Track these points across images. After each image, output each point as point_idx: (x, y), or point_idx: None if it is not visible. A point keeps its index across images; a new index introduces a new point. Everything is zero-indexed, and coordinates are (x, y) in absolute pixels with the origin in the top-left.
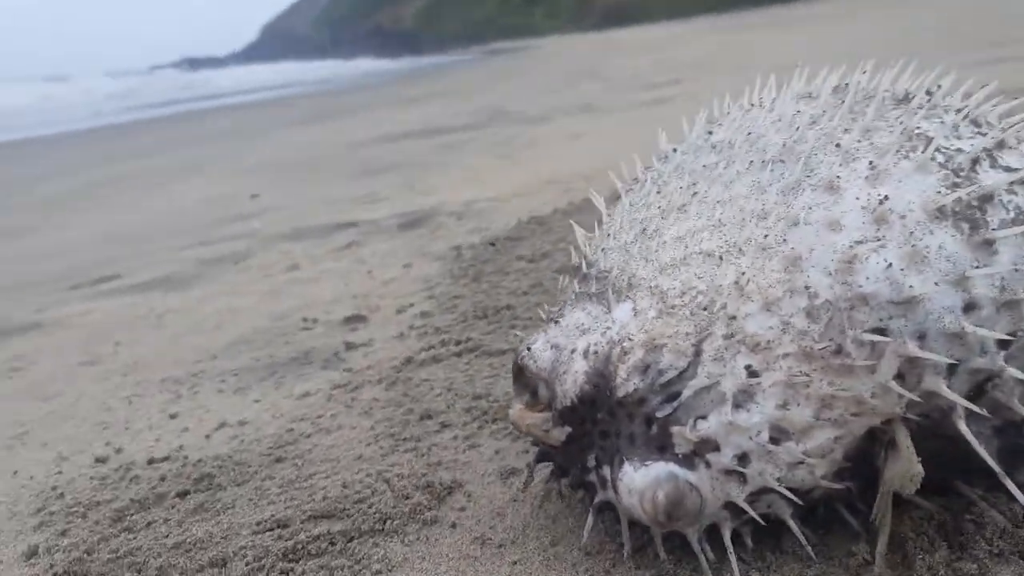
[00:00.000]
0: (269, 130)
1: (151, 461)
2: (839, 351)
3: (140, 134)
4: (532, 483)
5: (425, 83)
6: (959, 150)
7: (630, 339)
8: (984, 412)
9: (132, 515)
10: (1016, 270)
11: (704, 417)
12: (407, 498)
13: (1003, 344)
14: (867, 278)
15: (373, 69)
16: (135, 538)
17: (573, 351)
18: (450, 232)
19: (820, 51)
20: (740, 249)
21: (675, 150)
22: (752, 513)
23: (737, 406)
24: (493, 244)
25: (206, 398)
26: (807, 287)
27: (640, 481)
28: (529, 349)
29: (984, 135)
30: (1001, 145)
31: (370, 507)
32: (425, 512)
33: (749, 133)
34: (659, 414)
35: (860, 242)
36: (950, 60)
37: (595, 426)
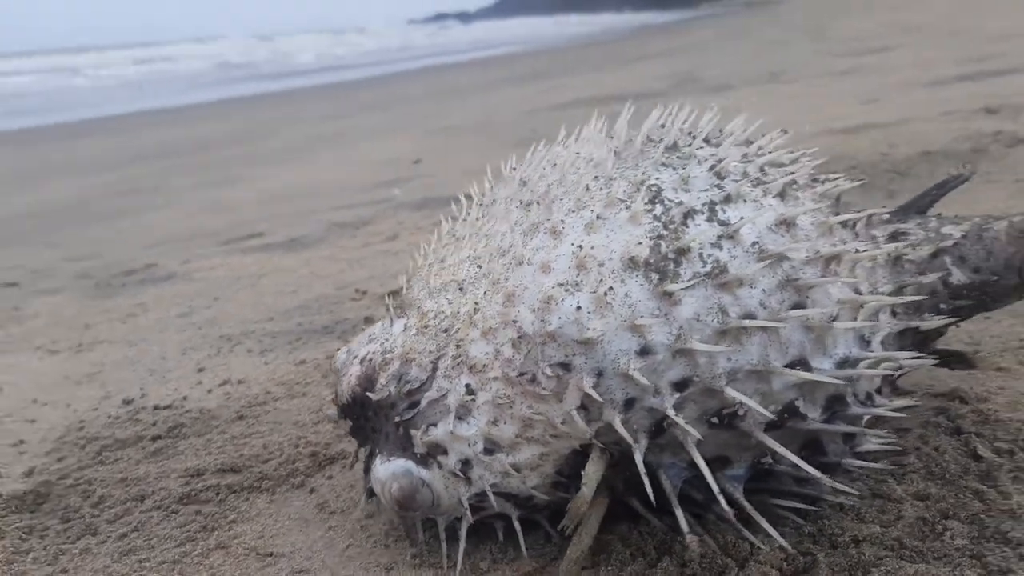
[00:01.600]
0: (469, 91)
1: (155, 407)
2: (533, 380)
3: (359, 91)
4: (356, 462)
5: (656, 42)
6: (680, 203)
7: (392, 351)
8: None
9: (110, 451)
10: (697, 320)
11: (435, 425)
12: (293, 463)
13: (679, 387)
14: (558, 318)
15: (617, 23)
16: (98, 471)
17: (355, 357)
18: None
19: None
20: (481, 281)
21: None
22: (467, 515)
23: (459, 418)
24: None
25: (235, 357)
26: (515, 321)
27: (383, 473)
28: (338, 351)
29: (720, 187)
30: (728, 199)
31: (263, 466)
32: (299, 477)
33: (536, 173)
34: (402, 418)
35: (561, 285)
36: None
37: (367, 422)
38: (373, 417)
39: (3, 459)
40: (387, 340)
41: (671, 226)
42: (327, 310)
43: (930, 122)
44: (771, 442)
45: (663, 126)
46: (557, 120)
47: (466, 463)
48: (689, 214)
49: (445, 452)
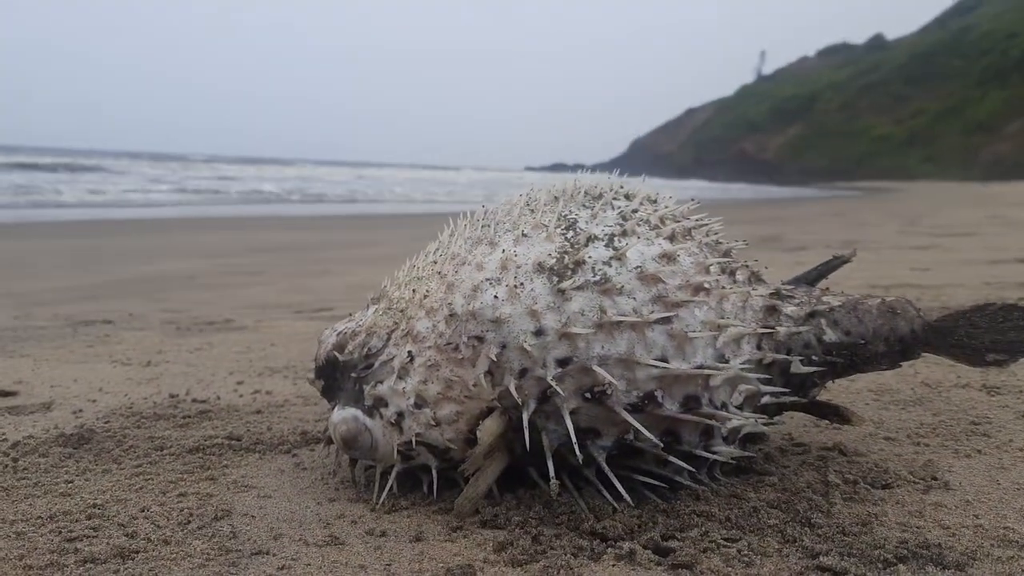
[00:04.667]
0: None
1: (193, 400)
2: (456, 348)
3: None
4: None
5: (766, 210)
6: (587, 232)
7: (362, 326)
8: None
9: (148, 422)
10: (581, 314)
11: (381, 382)
12: (287, 438)
13: (562, 363)
14: (480, 302)
15: (737, 191)
16: (134, 432)
17: (335, 331)
18: None
19: None
20: (434, 277)
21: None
22: (398, 462)
23: (399, 377)
24: None
25: (271, 379)
26: (450, 304)
27: (336, 417)
28: (327, 330)
29: (621, 226)
30: (625, 233)
31: (261, 437)
32: (287, 446)
33: (496, 211)
34: (358, 375)
35: (488, 280)
36: None
37: (335, 381)
38: (340, 377)
39: (62, 419)
40: (361, 320)
41: (575, 246)
42: None
43: (967, 288)
44: (632, 419)
45: (610, 189)
46: None
47: (400, 414)
48: (591, 239)
49: (386, 404)
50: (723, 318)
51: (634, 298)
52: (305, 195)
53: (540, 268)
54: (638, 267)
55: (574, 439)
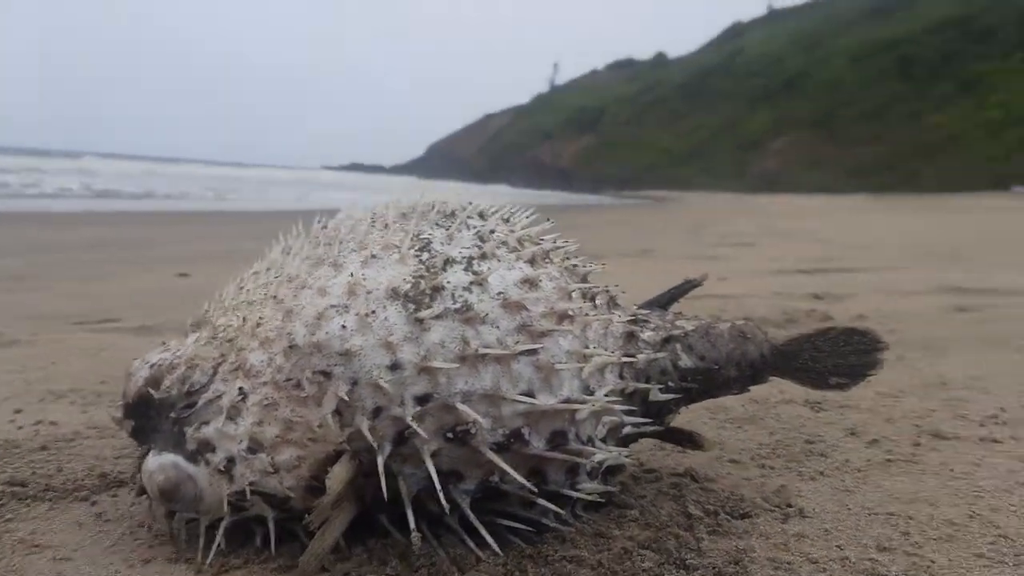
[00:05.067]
0: None
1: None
2: (298, 385)
3: (243, 223)
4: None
5: (556, 217)
6: (444, 254)
7: (180, 357)
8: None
9: None
10: (442, 346)
11: (207, 423)
12: (81, 481)
13: (420, 401)
14: (326, 332)
15: (510, 195)
16: None
17: (147, 362)
18: None
19: (892, 237)
20: (268, 302)
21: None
22: (227, 514)
23: (229, 418)
24: None
25: (55, 405)
26: (290, 334)
27: (152, 464)
28: (133, 360)
29: (479, 247)
30: (485, 256)
31: (50, 480)
32: (84, 492)
33: (336, 226)
34: (178, 416)
35: (333, 306)
36: None
37: (148, 421)
38: (155, 417)
39: None
40: (179, 350)
41: (432, 269)
42: None
43: (762, 299)
44: (498, 460)
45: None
46: None
47: (231, 460)
48: (449, 262)
49: (213, 449)
50: (587, 347)
51: (498, 327)
52: (89, 190)
53: (394, 294)
54: (500, 293)
55: (437, 484)
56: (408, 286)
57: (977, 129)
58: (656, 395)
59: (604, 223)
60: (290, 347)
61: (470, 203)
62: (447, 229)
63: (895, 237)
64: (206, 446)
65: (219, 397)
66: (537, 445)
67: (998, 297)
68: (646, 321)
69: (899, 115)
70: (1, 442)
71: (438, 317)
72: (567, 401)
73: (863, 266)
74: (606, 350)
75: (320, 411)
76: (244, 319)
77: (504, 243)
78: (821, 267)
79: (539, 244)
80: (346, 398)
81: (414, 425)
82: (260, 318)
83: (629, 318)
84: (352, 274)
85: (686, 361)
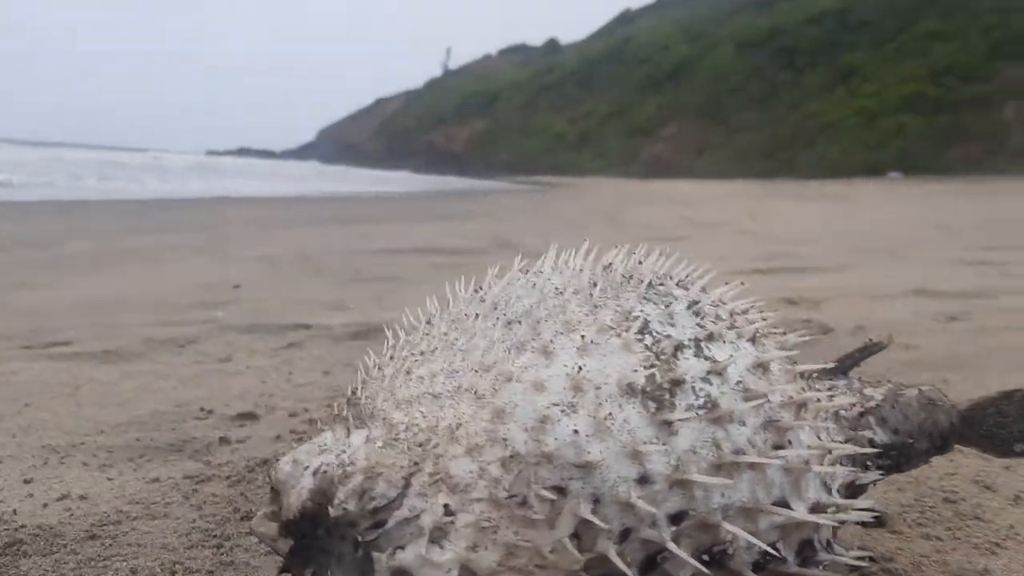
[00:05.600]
0: (282, 225)
1: None
2: (524, 503)
3: (162, 211)
4: None
5: (461, 205)
6: (668, 336)
7: (354, 463)
8: None
9: None
10: (694, 452)
11: (403, 548)
12: None
13: (674, 519)
14: (555, 439)
15: (410, 182)
16: None
17: (306, 468)
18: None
19: (820, 230)
20: (462, 395)
21: (456, 300)
22: None
23: (432, 542)
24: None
25: (68, 470)
26: (505, 439)
27: None
28: (277, 460)
29: (701, 327)
30: (711, 337)
31: None
32: None
33: (510, 295)
34: (364, 538)
35: (556, 404)
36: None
37: (315, 541)
38: (324, 537)
39: None
40: (345, 452)
41: (662, 357)
42: (168, 427)
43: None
44: None
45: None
46: (384, 264)
47: None
48: (679, 348)
49: None
50: (822, 437)
51: (745, 425)
52: None
53: (630, 390)
54: (739, 383)
55: None
56: (643, 380)
57: (852, 117)
58: (862, 478)
59: (519, 211)
60: (510, 456)
61: (662, 275)
62: (660, 305)
63: (823, 229)
64: (402, 575)
65: (417, 516)
66: (792, 560)
67: (973, 301)
68: (839, 391)
69: (781, 103)
70: (37, 530)
71: (685, 417)
72: (816, 506)
73: (816, 265)
74: (839, 440)
75: (553, 534)
76: (433, 417)
77: (718, 318)
78: (776, 266)
79: (744, 314)
80: (591, 519)
81: (672, 547)
82: (458, 417)
83: (828, 387)
84: (569, 365)
85: (881, 436)
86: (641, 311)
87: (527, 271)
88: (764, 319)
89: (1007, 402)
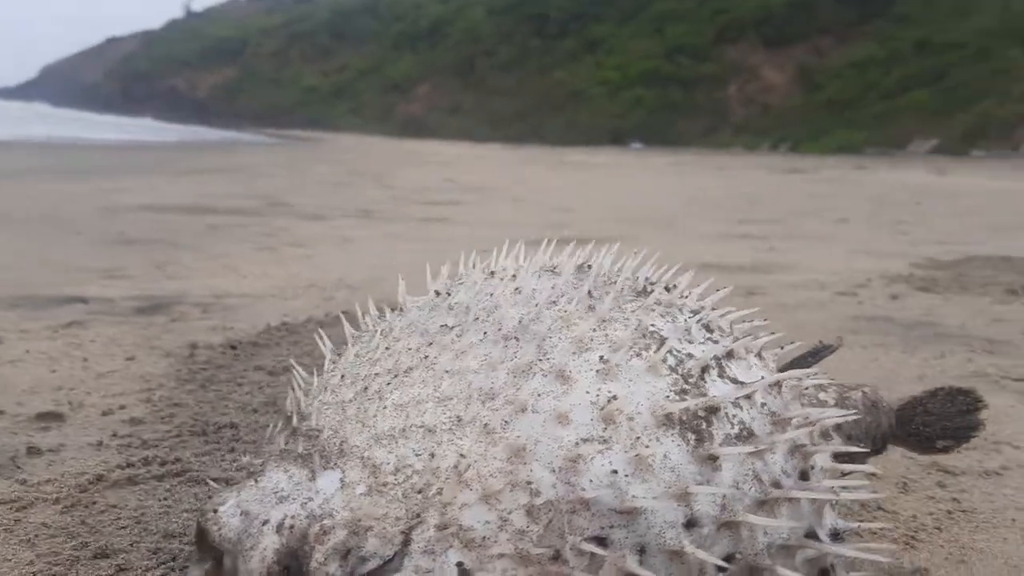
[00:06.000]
0: (13, 176)
1: None
2: (557, 557)
3: None
4: None
5: (208, 158)
6: (690, 355)
7: (332, 516)
8: None
9: None
10: (737, 489)
11: None
12: None
13: (721, 567)
14: (591, 481)
15: (156, 130)
16: None
17: (265, 522)
18: (189, 326)
19: (587, 198)
20: (464, 429)
21: (409, 306)
22: None
23: None
24: (234, 348)
25: None
26: (530, 483)
27: None
28: (215, 512)
29: (716, 342)
30: (731, 355)
31: None
32: None
33: (488, 302)
34: None
35: (586, 440)
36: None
37: None
38: None
39: None
40: (314, 500)
41: (690, 380)
42: None
43: None
44: None
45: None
46: (151, 224)
47: None
48: (706, 369)
49: None
50: (830, 458)
51: (776, 453)
52: None
53: (667, 421)
54: (764, 405)
55: None
56: (678, 408)
57: (598, 87)
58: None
59: (280, 168)
60: (538, 503)
61: (647, 279)
62: (669, 318)
63: (591, 198)
64: None
65: None
66: None
67: (761, 276)
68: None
69: (531, 69)
70: None
71: (728, 452)
72: (834, 533)
73: (602, 235)
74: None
75: None
76: (429, 454)
77: (722, 330)
78: (565, 236)
79: (740, 323)
80: (638, 572)
81: None
82: (463, 457)
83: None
84: (592, 391)
85: (837, 443)
86: (654, 326)
87: (488, 272)
88: (759, 325)
89: (932, 400)
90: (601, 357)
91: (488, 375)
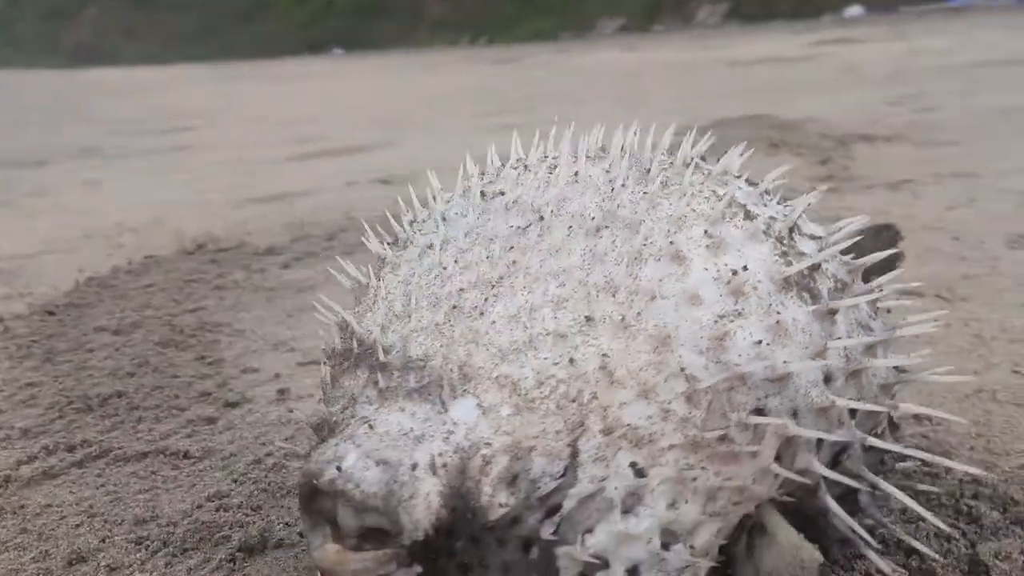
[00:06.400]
0: None
1: None
2: (724, 437)
3: None
4: None
5: None
6: (772, 218)
7: (488, 444)
8: (859, 484)
9: None
10: (850, 338)
11: (591, 531)
12: None
13: (852, 414)
14: (739, 355)
15: None
16: None
17: (415, 466)
18: None
19: (327, 108)
20: (596, 328)
21: (450, 214)
22: None
23: (626, 512)
24: (52, 313)
25: None
26: (683, 368)
27: None
28: (340, 469)
29: (780, 203)
30: (787, 216)
31: None
32: None
33: (551, 194)
34: (541, 535)
35: (723, 316)
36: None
37: (451, 560)
38: (470, 549)
39: None
40: (456, 432)
41: (783, 241)
42: None
43: (338, 192)
44: (920, 453)
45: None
46: None
47: (633, 572)
48: (792, 229)
49: (606, 565)
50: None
51: (863, 305)
52: None
53: (786, 284)
54: (835, 257)
55: (912, 504)
56: (793, 271)
57: None
58: None
59: None
60: (696, 389)
61: (689, 157)
62: (732, 186)
63: (328, 106)
64: (594, 567)
65: (602, 487)
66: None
67: None
68: None
69: None
70: None
71: (840, 305)
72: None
73: (361, 144)
74: None
75: (756, 463)
76: (568, 360)
77: (767, 194)
78: (327, 149)
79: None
80: (798, 433)
81: (874, 441)
82: (604, 355)
83: None
84: (711, 266)
85: None
86: (726, 193)
87: (523, 166)
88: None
89: (865, 238)
90: (705, 232)
91: (599, 269)
